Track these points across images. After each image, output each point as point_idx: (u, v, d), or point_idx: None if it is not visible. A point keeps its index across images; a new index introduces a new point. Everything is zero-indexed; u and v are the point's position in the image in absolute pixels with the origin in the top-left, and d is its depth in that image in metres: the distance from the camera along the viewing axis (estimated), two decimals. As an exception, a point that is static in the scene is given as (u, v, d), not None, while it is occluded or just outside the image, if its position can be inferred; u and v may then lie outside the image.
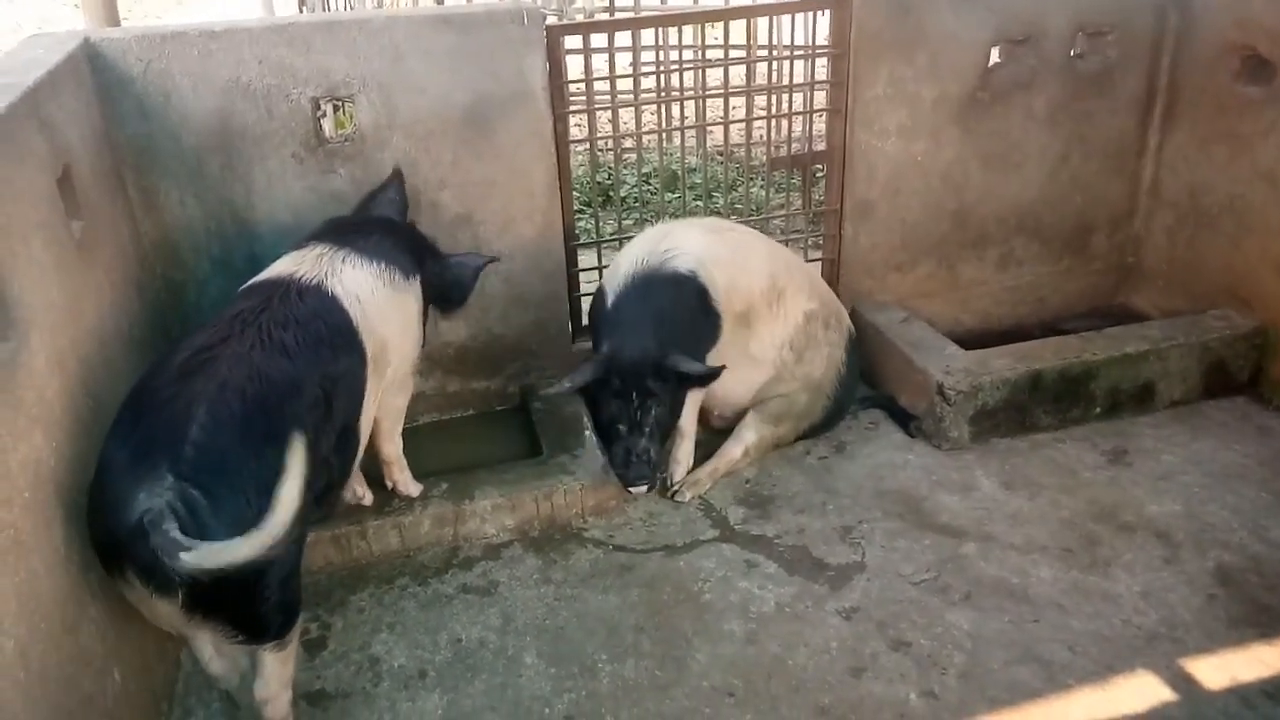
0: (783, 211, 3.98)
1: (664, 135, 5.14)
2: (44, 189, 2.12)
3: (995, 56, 3.48)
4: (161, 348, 2.82)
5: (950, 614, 2.56)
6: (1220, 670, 2.34)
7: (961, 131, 3.51)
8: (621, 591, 2.69)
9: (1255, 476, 3.02)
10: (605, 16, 5.73)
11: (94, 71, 2.68)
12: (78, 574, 1.93)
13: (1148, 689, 2.31)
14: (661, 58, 5.32)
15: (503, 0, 3.05)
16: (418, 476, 2.91)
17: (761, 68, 5.26)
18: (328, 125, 3.00)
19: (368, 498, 2.86)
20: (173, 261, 2.97)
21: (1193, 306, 3.57)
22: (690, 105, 5.56)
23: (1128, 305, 3.93)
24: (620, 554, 2.84)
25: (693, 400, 3.04)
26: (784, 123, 3.87)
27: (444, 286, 2.70)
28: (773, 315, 3.06)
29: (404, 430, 2.85)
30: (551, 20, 3.27)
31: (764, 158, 4.54)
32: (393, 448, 2.82)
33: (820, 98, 3.61)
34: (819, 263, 3.71)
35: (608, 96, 4.96)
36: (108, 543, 1.85)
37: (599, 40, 4.81)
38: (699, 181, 5.11)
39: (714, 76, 5.53)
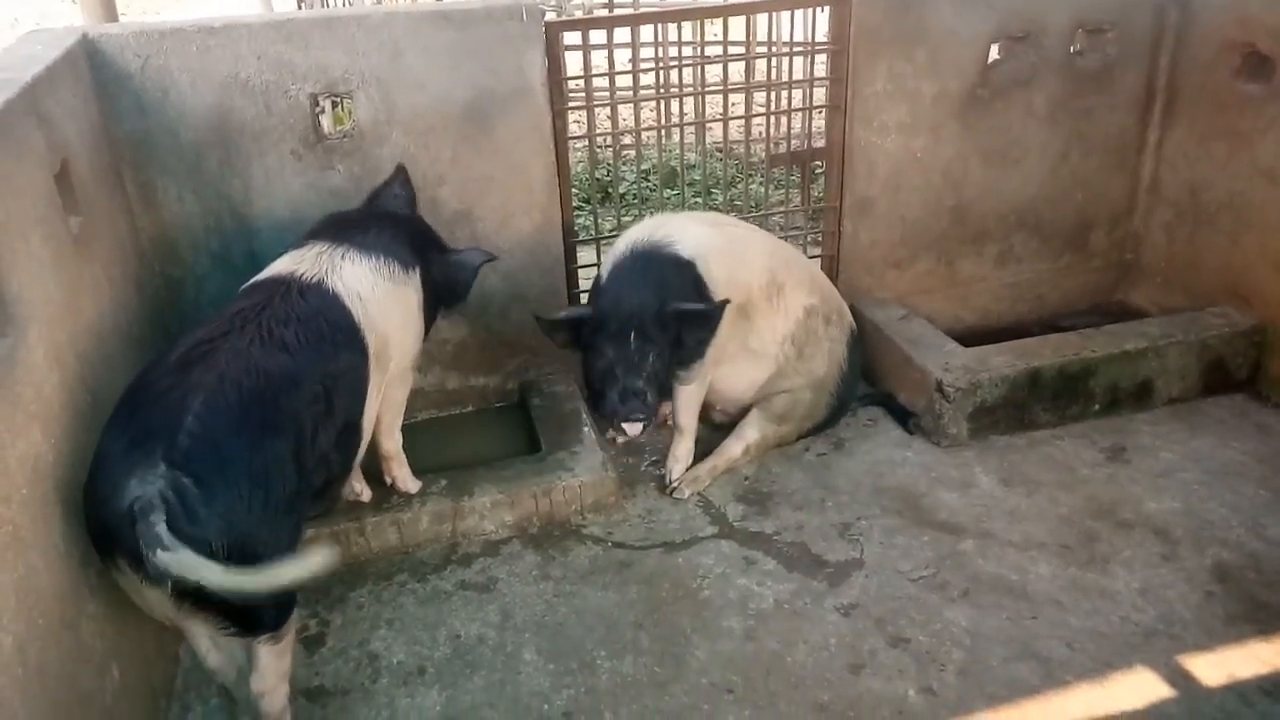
0: (782, 208, 3.98)
1: (663, 132, 5.14)
2: (42, 185, 2.12)
3: (995, 53, 3.47)
4: (160, 344, 2.82)
5: (949, 611, 2.56)
6: (1218, 667, 2.35)
7: (961, 128, 3.51)
8: (620, 588, 2.69)
9: (1254, 474, 3.02)
10: (604, 12, 5.73)
11: (92, 67, 2.67)
12: (76, 570, 1.93)
13: (1146, 686, 2.31)
14: (661, 54, 5.32)
15: (502, -4, 3.05)
16: (417, 473, 2.91)
17: (761, 64, 5.26)
18: (326, 122, 2.99)
19: (366, 494, 2.87)
20: (171, 257, 2.97)
21: (1192, 304, 3.57)
22: (689, 102, 5.56)
23: (1127, 302, 3.93)
24: (619, 551, 2.84)
25: (693, 396, 3.04)
26: (783, 119, 3.87)
27: (443, 284, 2.70)
28: (772, 309, 3.06)
29: (403, 427, 2.85)
30: (550, 16, 3.26)
31: (763, 154, 4.54)
32: (392, 443, 2.82)
33: (820, 94, 3.60)
34: (818, 259, 3.71)
35: (607, 93, 4.96)
36: (100, 528, 1.86)
37: (598, 36, 4.79)
38: (698, 178, 5.11)
39: (713, 73, 5.53)
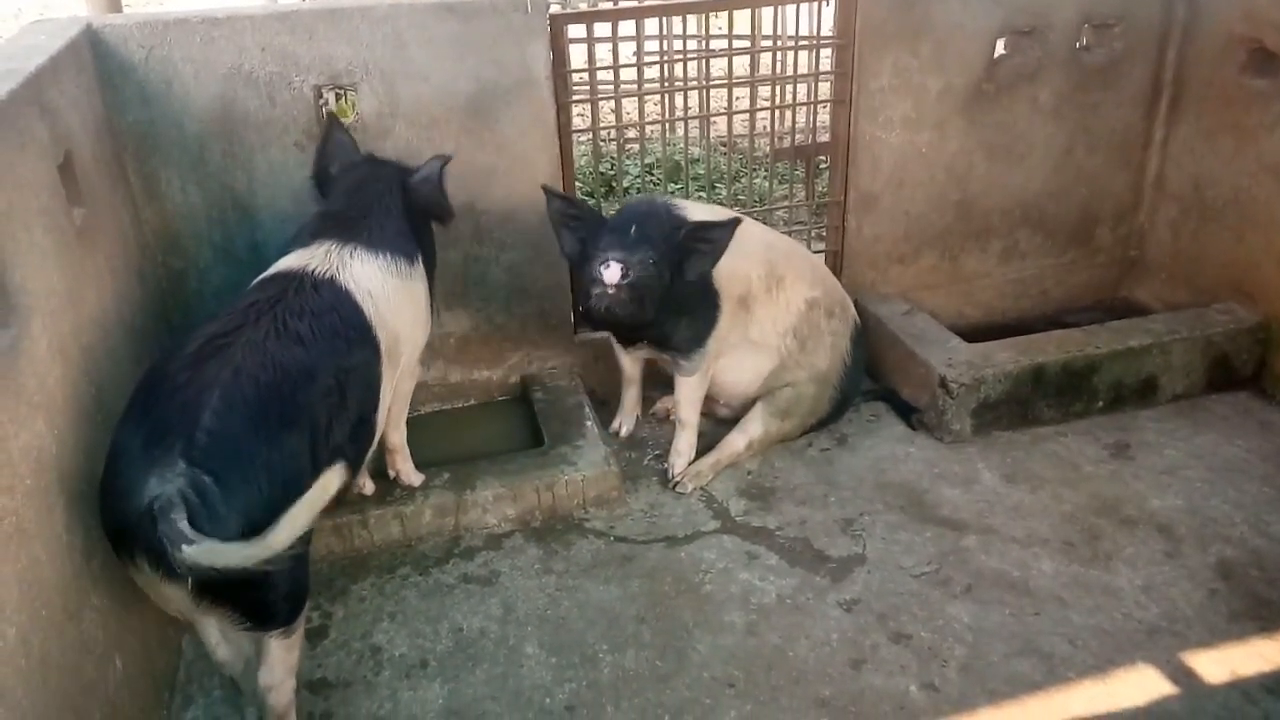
0: (786, 203, 3.96)
1: (667, 125, 5.12)
2: (45, 176, 2.12)
3: (1001, 48, 3.46)
4: (163, 335, 2.83)
5: (951, 607, 2.56)
6: (1221, 664, 2.34)
7: (966, 123, 3.50)
8: (622, 582, 2.69)
9: (1257, 471, 3.02)
10: (609, 5, 5.71)
11: (96, 58, 2.67)
12: (80, 561, 1.93)
13: (1148, 683, 2.31)
14: (665, 47, 5.30)
15: (506, -12, 3.04)
16: (419, 466, 2.92)
17: (765, 58, 5.23)
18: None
19: (369, 487, 2.87)
20: (174, 249, 2.97)
21: (1196, 300, 3.56)
22: (694, 95, 5.54)
23: (1131, 299, 3.92)
24: (621, 545, 2.84)
25: (695, 389, 3.03)
26: (788, 114, 3.85)
27: (424, 210, 2.66)
28: (772, 301, 3.05)
29: (406, 420, 2.85)
30: (555, 9, 3.25)
31: (767, 149, 4.53)
32: (399, 436, 2.82)
33: (824, 89, 3.60)
34: (822, 254, 3.70)
35: (611, 86, 4.94)
36: (118, 527, 1.85)
37: (603, 29, 4.79)
38: (702, 172, 5.09)
39: (718, 67, 5.51)
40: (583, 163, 5.09)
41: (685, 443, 3.11)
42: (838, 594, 2.62)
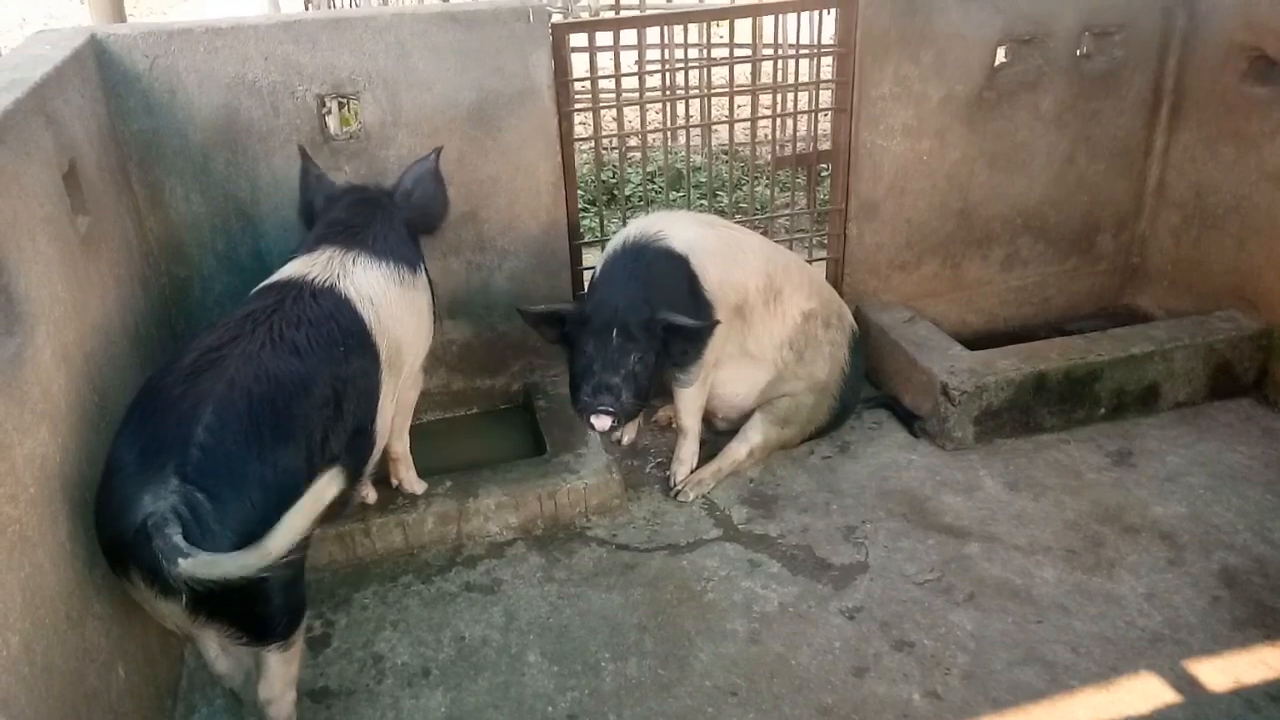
0: (787, 211, 3.97)
1: (669, 134, 5.14)
2: (50, 184, 2.12)
3: (1002, 56, 3.47)
4: (166, 344, 2.83)
5: (953, 614, 2.56)
6: (1224, 672, 2.34)
7: (967, 131, 3.50)
8: (625, 590, 2.69)
9: (1260, 478, 3.01)
10: (611, 14, 5.73)
11: (100, 67, 2.68)
12: (83, 569, 1.93)
13: (1151, 691, 2.30)
14: (667, 56, 5.32)
15: (509, -3, 3.05)
16: (422, 474, 2.92)
17: (767, 66, 5.25)
18: (333, 122, 3.00)
19: (371, 495, 2.87)
20: (178, 257, 2.98)
21: (1198, 308, 3.56)
22: (695, 104, 5.56)
23: (1133, 306, 3.92)
24: (623, 553, 2.84)
25: (694, 399, 3.03)
26: (789, 122, 3.86)
27: (421, 217, 2.67)
28: (770, 314, 3.05)
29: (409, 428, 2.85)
30: (557, 18, 3.26)
31: (769, 157, 4.54)
32: (402, 445, 2.82)
33: (826, 97, 3.60)
34: (823, 262, 3.70)
35: (613, 94, 4.95)
36: (113, 543, 1.85)
37: (604, 38, 4.80)
38: (703, 180, 5.11)
39: (719, 75, 5.52)
40: (584, 171, 5.10)
41: (687, 451, 3.11)
42: (840, 602, 2.62)
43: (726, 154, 4.64)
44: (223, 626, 1.92)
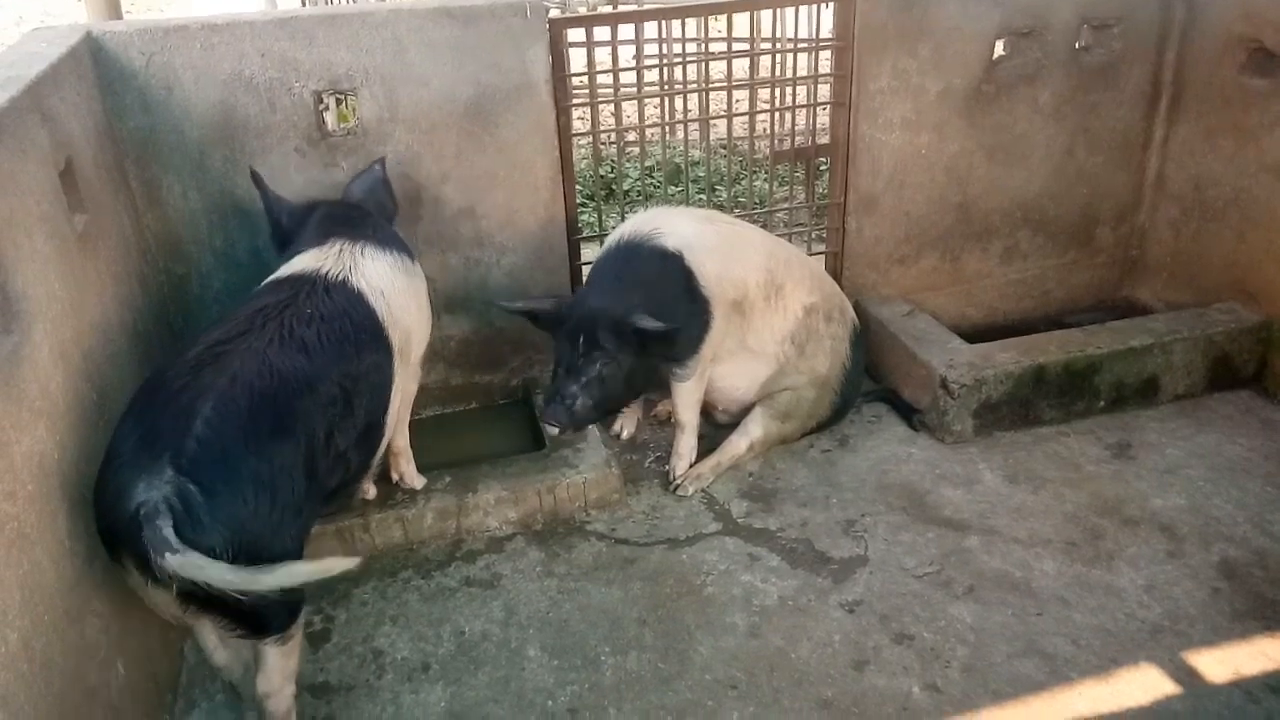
0: (786, 205, 3.97)
1: (667, 129, 5.13)
2: (46, 182, 2.12)
3: (1000, 49, 3.46)
4: (165, 341, 2.83)
5: (953, 607, 2.56)
6: (1224, 664, 2.34)
7: (966, 124, 3.50)
8: (624, 584, 2.69)
9: (1259, 470, 3.01)
10: (608, 9, 5.72)
11: (96, 65, 2.68)
12: (81, 566, 1.93)
13: (1151, 682, 2.31)
14: (664, 51, 5.31)
15: (505, -7, 3.05)
16: (421, 470, 2.92)
17: (765, 60, 5.24)
18: (330, 119, 2.99)
19: (371, 491, 2.87)
20: (175, 254, 2.98)
21: (1198, 300, 3.56)
22: (693, 98, 5.55)
23: (1132, 299, 3.92)
24: (623, 547, 2.84)
25: (691, 392, 3.03)
26: (787, 116, 3.86)
27: (379, 207, 2.71)
28: (771, 309, 3.05)
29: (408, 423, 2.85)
30: (554, 13, 3.26)
31: (767, 151, 4.54)
32: (402, 439, 2.82)
33: (824, 91, 3.60)
34: (822, 256, 3.70)
35: (611, 89, 4.95)
36: (108, 529, 1.86)
37: (602, 33, 4.80)
38: (702, 175, 5.10)
39: (717, 69, 5.52)
40: (583, 166, 5.10)
41: (686, 445, 3.11)
42: (840, 595, 2.62)
43: (725, 148, 4.63)
44: (217, 618, 1.93)
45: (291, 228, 2.58)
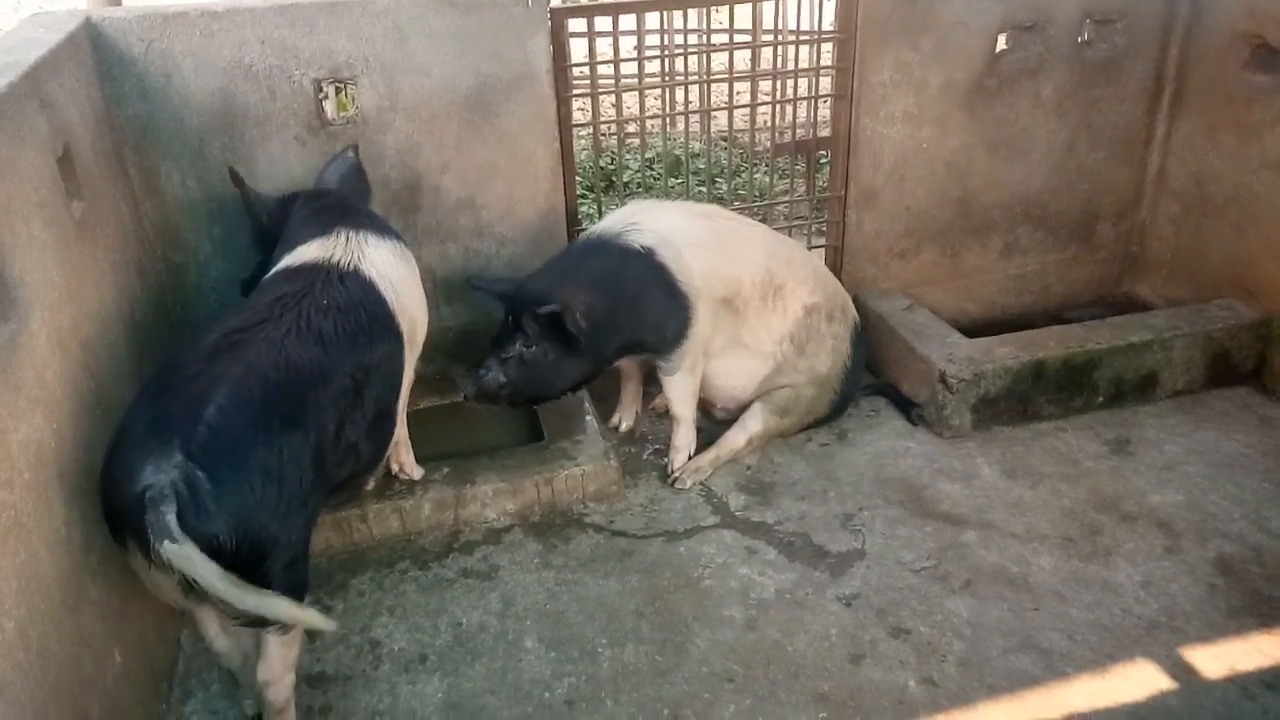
0: (786, 198, 3.96)
1: (668, 120, 5.12)
2: (44, 169, 2.11)
3: (1003, 43, 3.45)
4: (163, 329, 2.83)
5: (950, 602, 2.56)
6: (1220, 660, 2.35)
7: (968, 118, 3.49)
8: (622, 577, 2.70)
9: (1257, 467, 3.02)
10: (610, -1, 5.69)
11: (95, 51, 2.66)
12: (78, 555, 1.93)
13: (1147, 678, 2.31)
14: (666, 42, 5.29)
15: (507, -18, 3.03)
16: (419, 460, 2.91)
17: (766, 52, 5.23)
18: (330, 107, 2.98)
19: (370, 481, 2.86)
20: (174, 243, 2.97)
21: (1197, 296, 3.56)
22: (694, 90, 5.54)
23: (1132, 295, 3.92)
24: (621, 539, 2.84)
25: (683, 386, 3.01)
26: (788, 108, 3.84)
27: (355, 190, 2.74)
28: (769, 308, 3.03)
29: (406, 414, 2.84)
30: (556, 2, 3.24)
31: (768, 143, 4.53)
32: (402, 428, 2.82)
33: (825, 83, 3.58)
34: (822, 250, 3.69)
35: (611, 80, 4.93)
36: (113, 509, 1.86)
37: (603, 23, 4.77)
38: (702, 167, 5.09)
39: (718, 61, 5.49)
40: (583, 157, 5.08)
41: (684, 438, 3.11)
42: (837, 589, 2.62)
43: (725, 140, 4.62)
44: (217, 605, 1.92)
45: (275, 222, 2.59)
